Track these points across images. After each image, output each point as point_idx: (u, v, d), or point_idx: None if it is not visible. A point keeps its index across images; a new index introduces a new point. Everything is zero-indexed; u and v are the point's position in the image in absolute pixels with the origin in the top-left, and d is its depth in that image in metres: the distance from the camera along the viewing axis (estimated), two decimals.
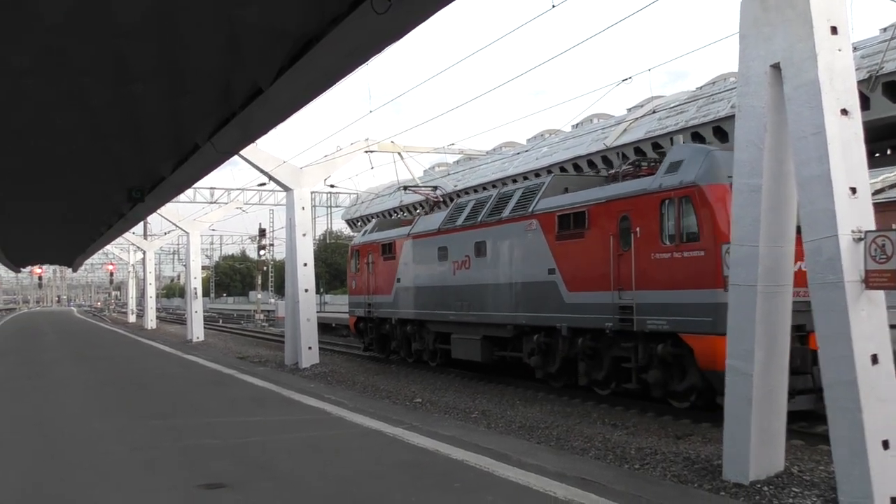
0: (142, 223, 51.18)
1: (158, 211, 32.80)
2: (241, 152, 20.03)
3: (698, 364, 12.27)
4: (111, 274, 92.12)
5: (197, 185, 38.98)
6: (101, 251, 66.62)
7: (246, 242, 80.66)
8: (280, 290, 74.84)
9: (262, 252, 56.66)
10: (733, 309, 8.31)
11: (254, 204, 47.58)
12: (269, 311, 58.13)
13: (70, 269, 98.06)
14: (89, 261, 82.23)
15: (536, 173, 23.30)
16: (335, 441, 9.23)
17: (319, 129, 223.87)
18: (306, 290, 22.56)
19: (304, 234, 22.76)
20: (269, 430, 9.87)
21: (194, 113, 14.01)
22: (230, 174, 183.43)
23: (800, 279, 11.15)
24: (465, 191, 26.76)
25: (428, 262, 20.00)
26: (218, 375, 16.98)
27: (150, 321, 50.08)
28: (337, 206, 52.45)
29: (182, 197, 42.08)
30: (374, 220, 27.21)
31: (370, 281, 23.17)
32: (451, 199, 23.83)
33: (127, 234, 46.55)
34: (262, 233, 56.90)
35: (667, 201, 12.78)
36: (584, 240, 14.60)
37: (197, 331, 36.02)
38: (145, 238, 54.03)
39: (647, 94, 27.69)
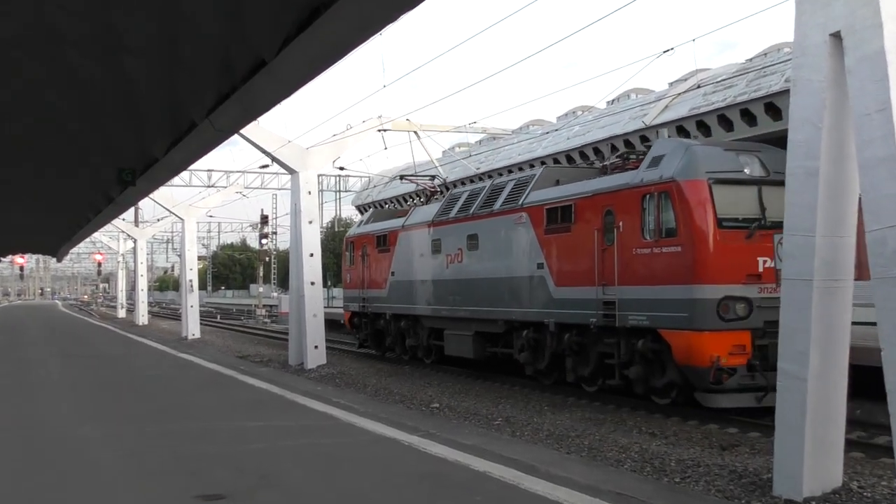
0: (133, 209, 51.48)
1: (151, 195, 32.97)
2: (242, 131, 20.10)
3: (675, 359, 13.52)
4: (99, 264, 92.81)
5: (193, 167, 39.39)
6: (88, 239, 66.97)
7: (246, 230, 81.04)
8: (284, 283, 75.20)
9: (264, 241, 56.86)
10: (786, 306, 8.25)
11: (255, 188, 47.97)
12: (271, 307, 58.44)
13: (54, 259, 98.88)
14: (75, 250, 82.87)
15: (568, 155, 23.25)
16: (344, 449, 9.28)
17: (328, 106, 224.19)
18: (312, 283, 22.65)
19: (310, 222, 22.83)
20: (271, 437, 9.93)
21: (191, 87, 14.07)
22: (229, 155, 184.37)
23: (775, 275, 12.98)
24: (473, 179, 26.79)
25: (422, 255, 21.06)
26: (216, 376, 17.09)
27: (142, 316, 50.43)
28: (347, 191, 52.68)
29: (177, 180, 42.46)
30: (370, 210, 27.94)
31: (365, 274, 24.32)
32: (448, 189, 24.70)
33: (116, 221, 46.86)
34: (265, 220, 57.10)
35: (647, 196, 14.02)
36: (570, 234, 15.82)
37: (193, 327, 36.26)
38: (136, 225, 54.37)
39: (691, 67, 27.53)
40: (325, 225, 63.73)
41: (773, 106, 17.49)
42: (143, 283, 52.07)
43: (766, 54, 20.35)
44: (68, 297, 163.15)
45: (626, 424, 13.28)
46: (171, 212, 39.44)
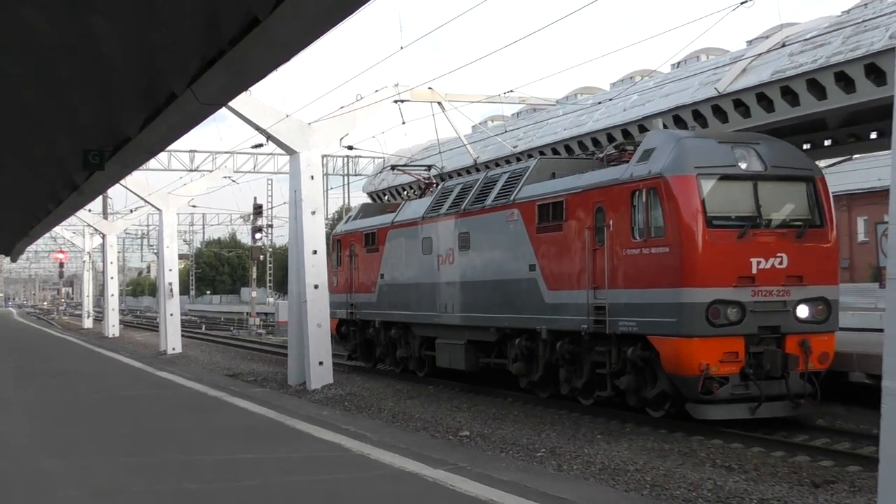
0: (101, 198, 51.92)
1: (122, 182, 33.19)
2: (231, 103, 20.18)
3: (664, 368, 14.77)
4: (61, 265, 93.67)
5: (173, 147, 39.51)
6: (47, 235, 67.53)
7: (237, 223, 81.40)
8: (282, 286, 75.51)
9: (257, 236, 57.04)
10: (891, 312, 8.18)
11: (247, 172, 48.04)
12: (267, 315, 58.67)
13: (7, 259, 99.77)
14: (32, 247, 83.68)
15: (624, 129, 23.18)
16: (357, 486, 9.32)
17: (334, 73, 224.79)
18: (316, 287, 22.73)
19: (313, 212, 22.90)
20: (267, 472, 9.98)
21: (170, 52, 14.12)
22: (216, 133, 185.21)
23: (770, 277, 14.83)
24: (508, 159, 26.71)
25: (412, 255, 22.40)
26: (201, 399, 17.21)
27: (112, 326, 50.85)
28: (357, 175, 52.74)
29: (153, 163, 42.63)
30: (359, 204, 28.93)
31: (352, 277, 25.67)
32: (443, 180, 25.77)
33: (82, 213, 47.26)
34: (258, 210, 57.30)
35: (637, 193, 15.25)
36: (562, 233, 17.07)
37: (173, 340, 36.49)
38: (105, 218, 54.84)
39: (775, 22, 27.30)
40: (330, 216, 63.83)
41: (875, 68, 17.30)
42: (113, 287, 52.49)
43: (866, 4, 20.15)
44: (25, 304, 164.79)
45: (697, 456, 13.26)
46: (146, 201, 39.71)
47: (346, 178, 53.81)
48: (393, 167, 29.15)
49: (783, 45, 20.05)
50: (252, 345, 40.84)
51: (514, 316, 18.53)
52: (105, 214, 55.58)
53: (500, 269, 18.98)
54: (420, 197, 24.39)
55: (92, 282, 70.97)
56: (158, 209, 38.63)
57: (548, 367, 17.93)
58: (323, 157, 38.78)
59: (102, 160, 21.28)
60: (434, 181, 25.82)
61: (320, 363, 22.45)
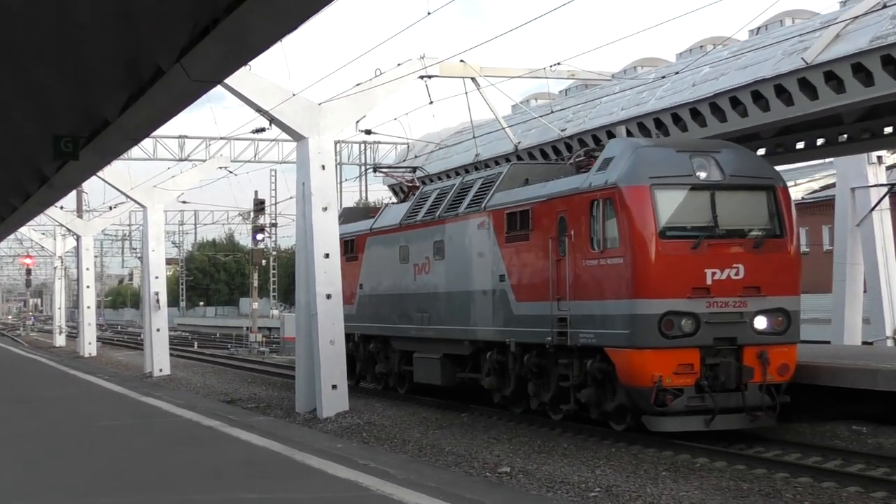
0: (75, 193, 52.28)
1: (100, 173, 33.40)
2: (227, 80, 20.24)
3: (619, 380, 17.11)
4: (28, 272, 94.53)
5: (159, 132, 39.79)
6: (12, 237, 68.25)
7: (235, 221, 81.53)
8: (288, 295, 75.71)
9: (259, 236, 57.37)
10: None
11: (247, 161, 48.28)
12: (270, 329, 58.89)
13: None
14: None
15: (693, 108, 23.08)
16: None
17: (349, 44, 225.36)
18: (329, 296, 22.79)
19: (324, 208, 22.96)
20: None
21: (156, 19, 14.19)
22: (210, 116, 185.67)
23: (726, 288, 16.99)
24: (556, 145, 26.71)
25: (390, 264, 24.67)
26: (194, 429, 17.25)
27: (88, 344, 51.14)
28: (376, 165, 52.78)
29: (136, 152, 42.97)
30: (344, 207, 30.35)
31: None
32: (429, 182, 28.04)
33: (52, 211, 47.57)
34: (261, 206, 57.60)
35: (595, 203, 17.62)
36: (529, 242, 19.44)
37: (160, 360, 36.69)
38: (80, 216, 55.15)
39: None
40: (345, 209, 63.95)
41: None
42: (89, 298, 52.75)
43: None
44: None
45: (782, 497, 13.20)
46: (128, 196, 39.92)
47: (363, 167, 53.77)
48: (375, 168, 31.70)
49: (884, 6, 19.90)
50: (253, 365, 40.98)
51: (486, 328, 20.93)
52: (80, 212, 55.90)
53: (472, 279, 21.38)
54: (403, 201, 26.10)
55: (65, 291, 71.41)
56: (142, 206, 38.81)
57: (519, 381, 20.21)
58: (336, 143, 38.82)
59: (76, 148, 21.39)
60: (419, 184, 27.67)
61: (334, 387, 22.49)
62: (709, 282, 16.96)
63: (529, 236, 19.36)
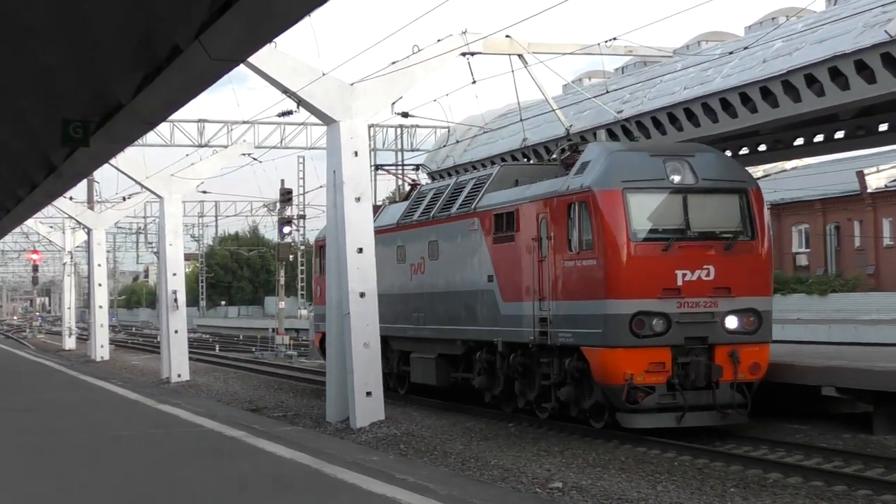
0: (85, 182, 52.54)
1: (113, 161, 33.56)
2: (251, 59, 20.26)
3: (594, 378, 19.33)
4: (35, 268, 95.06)
5: (177, 116, 39.88)
6: (17, 230, 68.80)
7: (259, 213, 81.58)
8: None
9: (286, 230, 57.44)
10: None
11: (272, 147, 48.43)
12: (298, 331, 59.01)
13: None
14: None
15: (764, 87, 22.91)
16: None
17: (384, 19, 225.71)
18: (362, 295, 22.85)
19: (357, 199, 23.00)
20: None
21: None
22: (232, 98, 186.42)
23: (696, 288, 19.18)
24: (611, 128, 26.62)
25: (388, 264, 26.55)
26: (216, 440, 17.29)
27: (101, 347, 51.43)
28: (414, 150, 52.75)
29: (152, 137, 43.15)
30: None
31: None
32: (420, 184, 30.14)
33: (61, 202, 47.86)
34: (287, 196, 57.67)
35: (572, 205, 19.91)
36: (514, 244, 21.77)
37: (178, 364, 36.87)
38: (91, 208, 55.40)
39: None
40: (381, 203, 63.95)
41: None
42: (101, 297, 53.00)
43: None
44: None
45: None
46: (143, 186, 40.10)
47: (399, 153, 53.72)
48: (378, 167, 34.10)
49: None
50: (280, 370, 41.17)
51: (476, 328, 23.43)
52: (91, 203, 56.15)
53: (464, 279, 23.87)
54: (405, 199, 28.03)
55: (75, 290, 71.82)
56: (159, 196, 39.00)
57: (507, 381, 22.57)
58: (370, 127, 38.87)
59: (87, 134, 21.46)
60: (419, 183, 30.05)
61: (368, 394, 22.53)
62: (679, 283, 19.17)
63: (514, 238, 21.78)
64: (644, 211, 19.46)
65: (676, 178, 19.58)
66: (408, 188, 29.75)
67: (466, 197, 24.02)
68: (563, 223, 20.12)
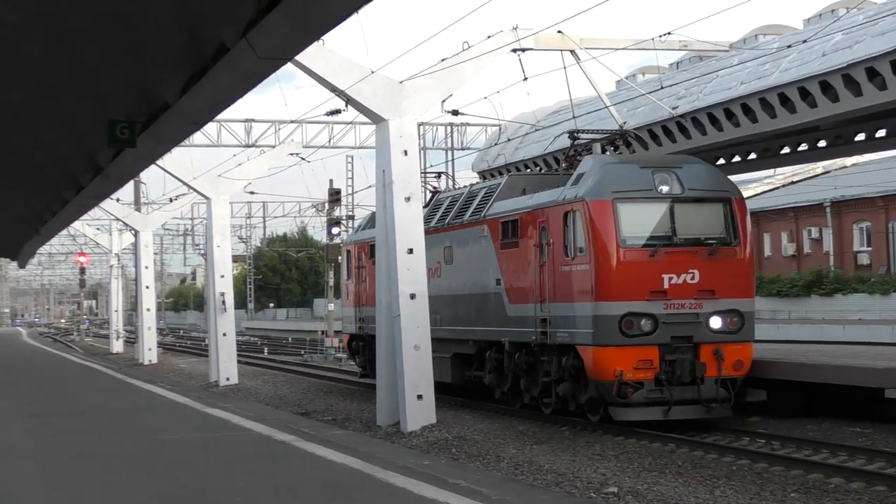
0: (132, 184, 52.89)
1: (159, 162, 33.73)
2: (298, 57, 20.29)
3: (588, 374, 21.27)
4: (82, 271, 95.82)
5: (224, 115, 40.06)
6: (64, 233, 69.20)
7: (308, 214, 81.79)
8: None
9: (335, 230, 57.47)
10: None
11: (320, 147, 48.55)
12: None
13: (14, 264, 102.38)
14: (46, 249, 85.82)
15: (823, 81, 22.74)
16: None
17: (433, 15, 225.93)
18: (413, 296, 22.84)
19: (407, 198, 22.99)
20: None
21: None
22: (280, 97, 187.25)
23: (682, 291, 21.11)
24: (666, 125, 26.58)
25: None
26: (265, 444, 17.35)
27: (148, 350, 51.71)
28: (464, 149, 52.73)
29: (199, 138, 43.40)
30: (370, 212, 33.59)
31: (360, 290, 32.64)
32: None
33: (108, 204, 48.17)
34: (336, 197, 57.75)
35: (567, 214, 21.92)
36: (518, 249, 24.02)
37: (226, 368, 37.02)
38: (138, 210, 55.77)
39: None
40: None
41: None
42: (149, 300, 53.32)
43: None
44: (37, 321, 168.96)
45: None
46: (190, 187, 40.27)
47: (450, 152, 53.70)
48: None
49: None
50: (329, 374, 41.27)
51: (486, 329, 25.51)
52: (137, 205, 56.53)
53: (475, 282, 26.07)
54: (426, 206, 28.96)
55: (122, 292, 72.29)
56: (206, 197, 39.15)
57: (514, 378, 24.47)
58: (420, 125, 38.82)
59: (133, 134, 21.57)
60: (440, 190, 31.97)
61: (419, 397, 22.52)
62: (666, 286, 21.09)
63: (519, 244, 23.91)
64: (633, 219, 21.38)
65: (664, 189, 21.58)
66: (429, 195, 30.94)
67: (478, 205, 26.19)
68: (560, 230, 22.13)
